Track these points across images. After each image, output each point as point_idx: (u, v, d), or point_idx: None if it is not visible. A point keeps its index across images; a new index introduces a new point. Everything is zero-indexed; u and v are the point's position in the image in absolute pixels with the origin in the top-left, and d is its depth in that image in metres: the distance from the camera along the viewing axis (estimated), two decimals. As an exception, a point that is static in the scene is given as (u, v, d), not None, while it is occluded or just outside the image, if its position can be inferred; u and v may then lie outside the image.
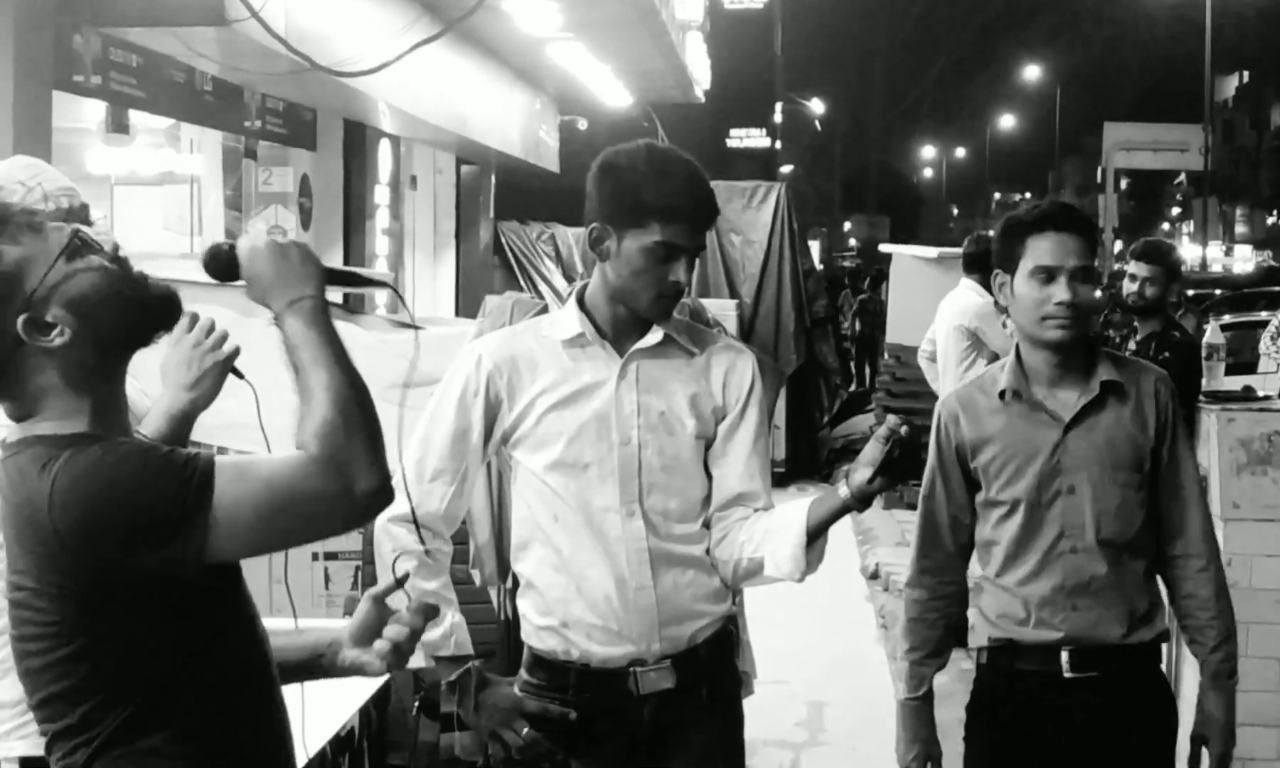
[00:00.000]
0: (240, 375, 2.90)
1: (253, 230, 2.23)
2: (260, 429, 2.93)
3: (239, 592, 2.27)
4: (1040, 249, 3.34)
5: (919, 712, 3.53)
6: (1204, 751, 3.66)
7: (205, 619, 2.19)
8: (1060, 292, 3.30)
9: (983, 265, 6.87)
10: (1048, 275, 3.32)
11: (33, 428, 2.17)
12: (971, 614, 3.60)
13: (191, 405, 2.84)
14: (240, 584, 2.28)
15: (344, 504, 2.12)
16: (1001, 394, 3.41)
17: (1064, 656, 3.39)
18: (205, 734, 2.18)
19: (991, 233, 3.74)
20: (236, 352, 2.88)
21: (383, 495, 2.15)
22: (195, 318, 2.88)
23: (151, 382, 3.09)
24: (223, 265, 2.31)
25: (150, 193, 10.91)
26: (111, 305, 2.18)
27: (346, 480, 2.10)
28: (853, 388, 19.08)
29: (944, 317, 7.82)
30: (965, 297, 7.80)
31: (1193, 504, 3.46)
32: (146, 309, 2.23)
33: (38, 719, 2.23)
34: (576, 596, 3.04)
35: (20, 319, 2.12)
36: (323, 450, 2.10)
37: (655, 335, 3.09)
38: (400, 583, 2.45)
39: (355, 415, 2.14)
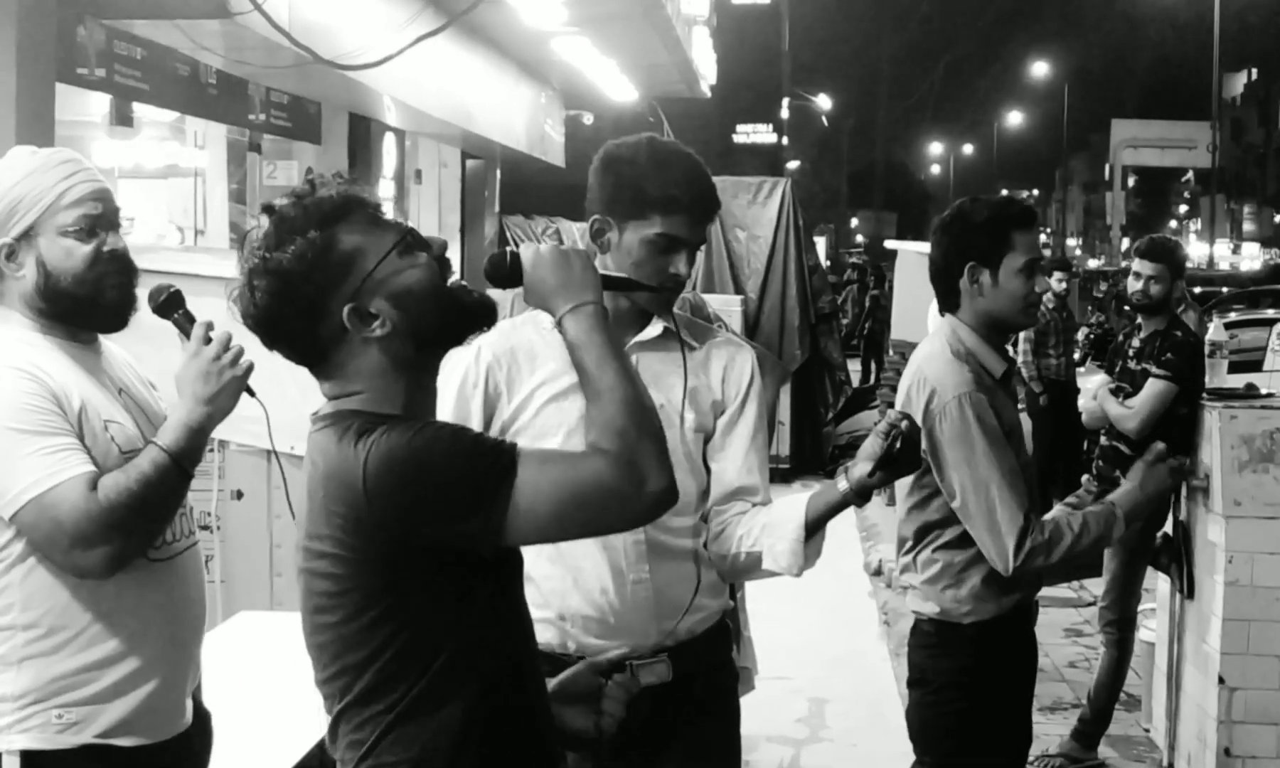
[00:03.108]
0: (252, 393, 2.91)
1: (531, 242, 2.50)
2: (268, 432, 2.96)
3: (520, 587, 2.38)
4: (1028, 244, 3.68)
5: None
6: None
7: (495, 604, 2.28)
8: (1041, 282, 3.70)
9: None
10: (1032, 269, 3.67)
11: (347, 404, 2.26)
12: (959, 596, 3.70)
13: (208, 419, 2.84)
14: (521, 582, 2.38)
15: (635, 502, 2.19)
16: (1003, 376, 3.73)
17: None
18: (495, 719, 2.25)
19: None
20: (252, 367, 2.89)
21: (670, 495, 2.22)
22: (210, 326, 2.88)
23: (160, 382, 3.10)
24: (505, 272, 2.38)
25: (155, 186, 10.93)
26: (432, 303, 2.28)
27: (639, 479, 2.17)
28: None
29: (934, 322, 7.77)
30: None
31: None
32: (464, 310, 2.32)
33: (325, 695, 2.28)
34: (573, 588, 3.04)
35: (346, 308, 2.22)
36: (617, 449, 2.17)
37: (655, 329, 3.09)
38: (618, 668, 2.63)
39: (644, 418, 2.22)
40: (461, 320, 2.33)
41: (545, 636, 3.05)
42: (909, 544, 3.80)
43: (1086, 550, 3.66)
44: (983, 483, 3.57)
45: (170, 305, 2.96)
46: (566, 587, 3.03)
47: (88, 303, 2.85)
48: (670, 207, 2.97)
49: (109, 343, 2.99)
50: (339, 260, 2.23)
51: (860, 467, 2.89)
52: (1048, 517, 3.66)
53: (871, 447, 2.88)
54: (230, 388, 2.86)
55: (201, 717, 3.01)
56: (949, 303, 3.78)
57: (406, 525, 2.14)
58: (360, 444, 2.16)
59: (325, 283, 2.22)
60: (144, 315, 2.96)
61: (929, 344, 3.79)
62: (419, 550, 2.17)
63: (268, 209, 2.28)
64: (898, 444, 2.85)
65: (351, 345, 2.25)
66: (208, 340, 2.87)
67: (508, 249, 2.40)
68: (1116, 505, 3.65)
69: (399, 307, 2.24)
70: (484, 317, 2.35)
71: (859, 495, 2.93)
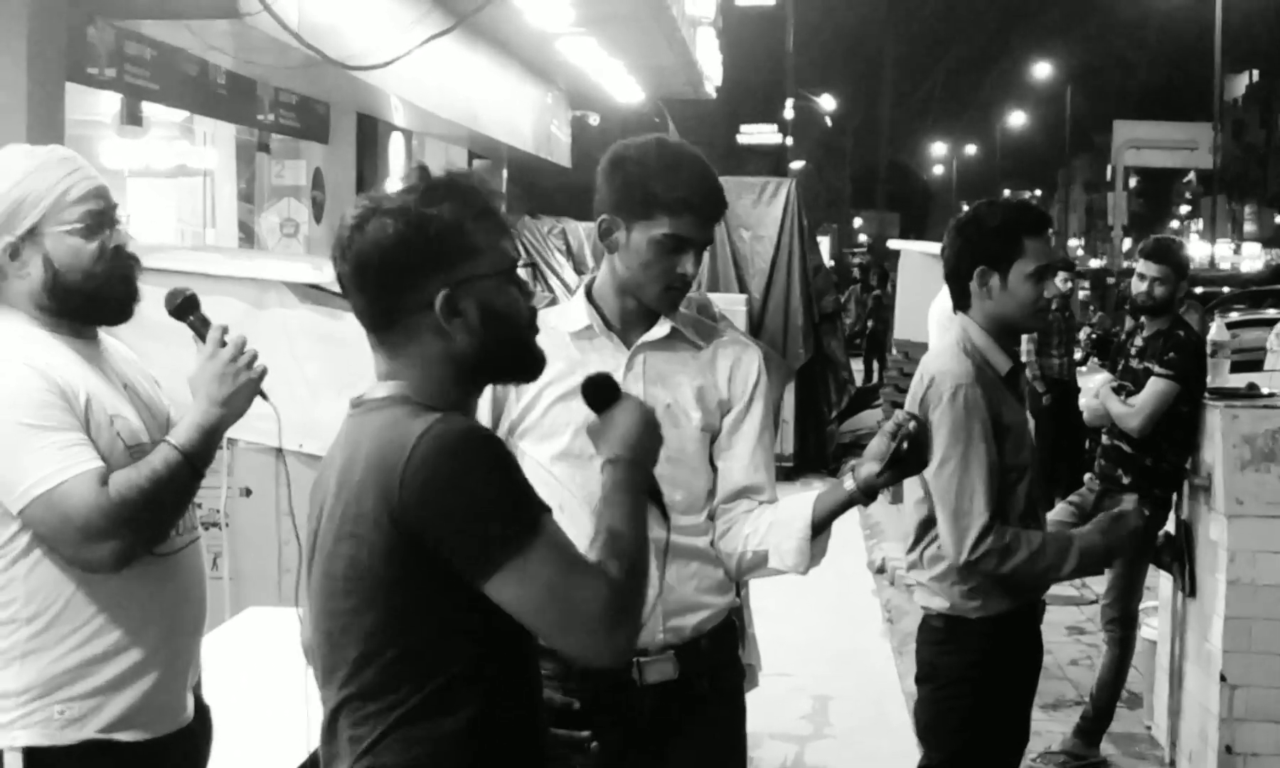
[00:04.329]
0: (265, 397, 2.95)
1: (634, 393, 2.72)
2: (276, 427, 3.00)
3: None
4: (1039, 251, 3.72)
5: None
6: None
7: (502, 619, 2.20)
8: (1051, 287, 3.75)
9: None
10: (1042, 275, 3.71)
11: (399, 389, 2.26)
12: (967, 591, 3.73)
13: (221, 420, 2.88)
14: None
15: (597, 640, 2.16)
16: (1008, 373, 3.76)
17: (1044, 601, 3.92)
18: (499, 728, 2.23)
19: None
20: (265, 371, 2.93)
21: (626, 656, 2.23)
22: (225, 330, 2.93)
23: (167, 381, 3.14)
24: (600, 396, 2.44)
25: (164, 186, 10.95)
26: (513, 337, 2.31)
27: (614, 626, 2.16)
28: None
29: (936, 321, 7.79)
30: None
31: None
32: (533, 358, 2.35)
33: (326, 684, 2.26)
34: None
35: (443, 292, 2.23)
36: (623, 585, 2.17)
37: (662, 328, 3.11)
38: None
39: (645, 578, 2.24)
40: (526, 365, 2.37)
41: (553, 632, 3.09)
42: (913, 540, 3.84)
43: (1040, 576, 3.69)
44: (956, 470, 3.61)
45: (186, 308, 3.00)
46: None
47: (94, 298, 2.86)
48: (678, 207, 2.99)
49: (110, 339, 3.00)
50: (462, 246, 2.24)
51: (867, 466, 2.91)
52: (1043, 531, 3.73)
53: (878, 446, 2.90)
54: (245, 390, 2.90)
55: (202, 711, 3.02)
56: (961, 303, 3.83)
57: (421, 516, 2.12)
58: (419, 421, 2.16)
59: (441, 255, 2.23)
60: (154, 314, 2.99)
61: (940, 341, 3.85)
62: (429, 549, 2.13)
63: (423, 170, 2.32)
64: (905, 445, 2.87)
65: (421, 328, 2.25)
66: (223, 343, 2.91)
67: (613, 378, 2.48)
68: (1075, 540, 3.69)
69: (485, 321, 2.25)
70: (531, 370, 2.39)
71: (865, 495, 2.95)
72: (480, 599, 2.17)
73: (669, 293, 3.06)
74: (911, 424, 2.87)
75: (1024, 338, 11.16)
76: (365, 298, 2.28)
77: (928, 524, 3.78)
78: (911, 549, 3.86)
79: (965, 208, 4.00)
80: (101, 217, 2.87)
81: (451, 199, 2.26)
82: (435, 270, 2.23)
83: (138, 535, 2.73)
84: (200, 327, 2.98)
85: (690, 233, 3.01)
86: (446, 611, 2.17)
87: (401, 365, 2.27)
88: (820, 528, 3.01)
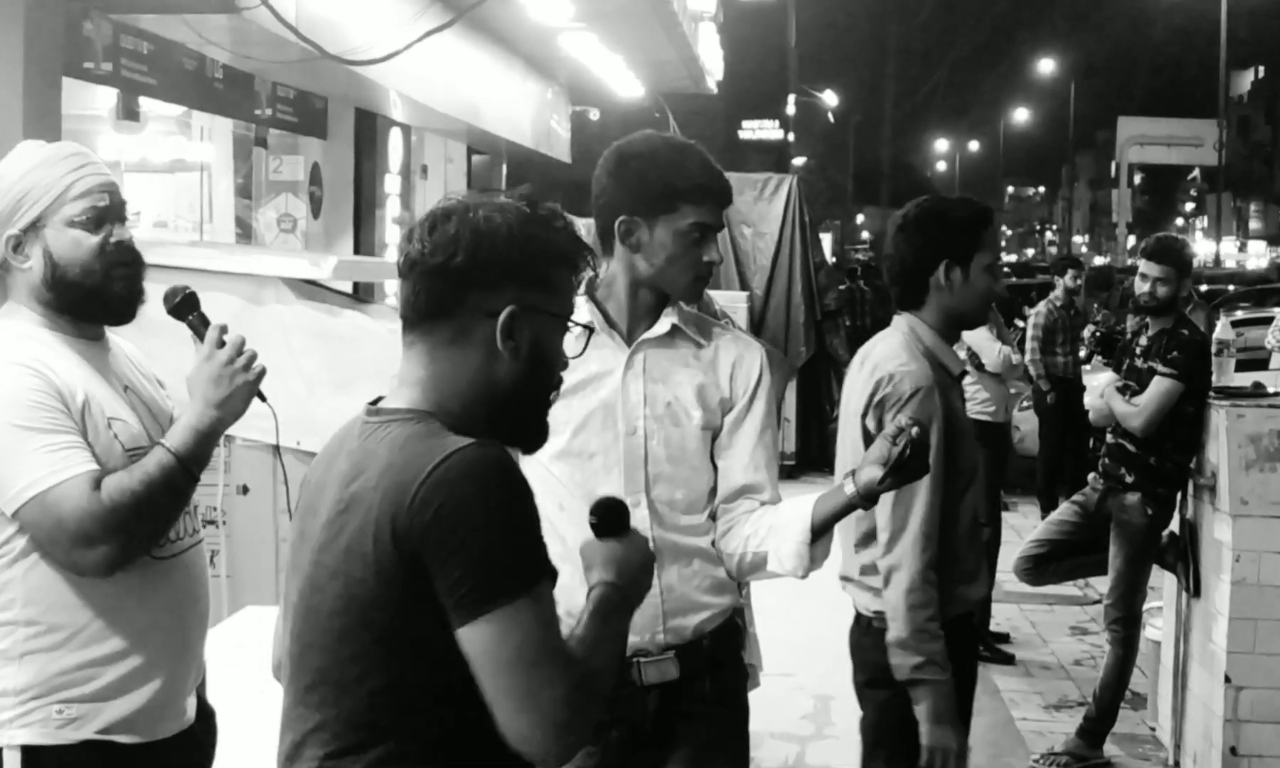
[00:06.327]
0: (264, 398, 2.91)
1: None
2: (274, 425, 2.96)
3: None
4: (993, 243, 3.78)
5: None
6: None
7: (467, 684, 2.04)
8: (997, 280, 3.77)
9: None
10: (994, 266, 3.75)
11: (423, 402, 2.13)
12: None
13: (218, 422, 2.85)
14: None
15: (545, 736, 2.00)
16: (960, 374, 3.79)
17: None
18: None
19: None
20: (264, 372, 2.89)
21: (559, 763, 2.06)
22: (224, 330, 2.89)
23: (170, 380, 3.10)
24: (608, 523, 2.29)
25: (161, 180, 10.93)
26: (541, 388, 2.21)
27: (565, 730, 2.01)
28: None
29: None
30: None
31: None
32: (537, 419, 2.24)
33: (305, 707, 2.10)
34: (581, 585, 3.01)
35: (510, 306, 2.15)
36: (587, 690, 2.05)
37: (663, 326, 3.10)
38: None
39: (592, 714, 2.07)
40: (528, 428, 2.25)
41: (554, 632, 3.06)
42: (862, 541, 3.69)
43: (912, 640, 3.50)
44: (912, 490, 3.43)
45: (185, 307, 2.97)
46: (574, 584, 2.99)
47: (95, 294, 2.85)
48: (699, 195, 3.03)
49: (117, 339, 2.99)
50: (548, 276, 2.19)
51: (868, 471, 2.87)
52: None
53: (880, 451, 2.85)
54: (241, 393, 2.87)
55: (206, 714, 3.01)
56: (913, 300, 3.75)
57: (425, 536, 1.98)
58: (450, 439, 2.04)
59: (529, 271, 2.15)
60: (155, 312, 2.96)
61: (885, 342, 3.72)
62: (425, 573, 1.99)
63: (531, 198, 2.22)
64: (908, 451, 2.83)
65: (472, 333, 2.13)
66: (221, 344, 2.88)
67: (628, 509, 2.33)
68: (945, 675, 3.51)
69: (532, 357, 2.17)
70: (535, 441, 2.28)
71: (866, 500, 2.92)
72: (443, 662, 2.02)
73: (698, 282, 3.10)
74: (914, 430, 2.83)
75: (1028, 336, 11.20)
76: (429, 281, 2.12)
77: (874, 534, 3.69)
78: (860, 549, 3.75)
79: (905, 209, 3.87)
80: (106, 212, 2.86)
81: (559, 233, 2.19)
82: (515, 281, 2.13)
83: (130, 540, 2.71)
84: (199, 326, 2.94)
85: (710, 219, 3.06)
86: (439, 651, 2.00)
87: (435, 373, 2.14)
88: (820, 532, 2.99)
